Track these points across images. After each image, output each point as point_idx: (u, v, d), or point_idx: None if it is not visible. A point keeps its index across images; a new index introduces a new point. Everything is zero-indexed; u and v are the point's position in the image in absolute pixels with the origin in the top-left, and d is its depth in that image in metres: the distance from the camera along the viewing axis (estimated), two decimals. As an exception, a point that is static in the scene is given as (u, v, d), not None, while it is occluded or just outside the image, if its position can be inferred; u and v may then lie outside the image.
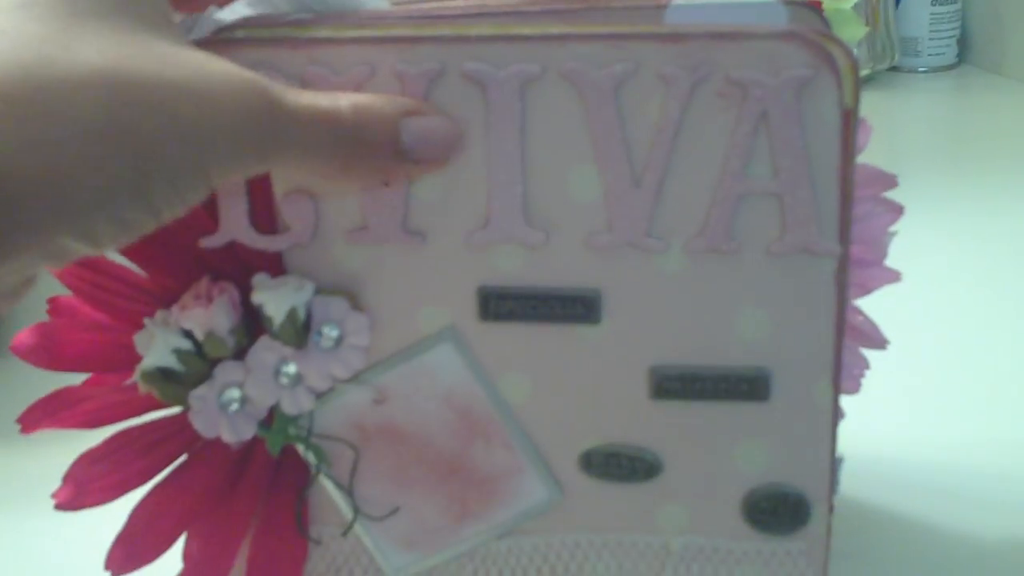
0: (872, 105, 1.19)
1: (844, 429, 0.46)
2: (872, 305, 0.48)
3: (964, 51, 1.37)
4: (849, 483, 0.52)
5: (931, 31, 1.34)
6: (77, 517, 0.46)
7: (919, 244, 0.77)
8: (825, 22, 0.41)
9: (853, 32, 0.47)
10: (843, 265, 0.40)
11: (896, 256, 0.47)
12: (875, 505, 0.52)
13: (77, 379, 0.45)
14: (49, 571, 0.53)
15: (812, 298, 0.40)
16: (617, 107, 0.39)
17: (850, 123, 0.39)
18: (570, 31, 0.38)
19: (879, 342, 0.48)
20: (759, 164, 0.39)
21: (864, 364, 0.48)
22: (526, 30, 0.39)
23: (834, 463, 0.42)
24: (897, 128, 1.13)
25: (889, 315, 0.49)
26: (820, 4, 0.42)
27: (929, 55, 1.35)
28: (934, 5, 1.33)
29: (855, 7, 0.59)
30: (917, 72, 1.35)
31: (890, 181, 0.45)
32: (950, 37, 1.35)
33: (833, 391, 0.41)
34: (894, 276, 0.47)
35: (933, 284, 0.75)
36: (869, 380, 0.48)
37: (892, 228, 0.46)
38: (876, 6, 1.27)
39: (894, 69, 1.34)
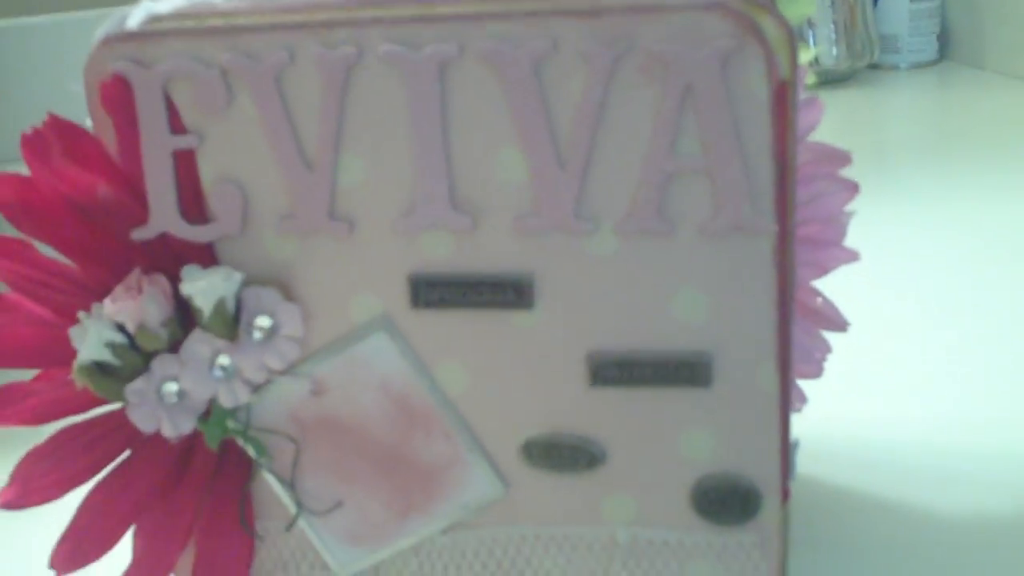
0: (854, 102, 1.18)
1: (808, 412, 0.45)
2: (859, 291, 0.47)
3: (944, 47, 1.36)
4: (814, 466, 0.51)
5: (911, 27, 1.32)
6: (27, 517, 0.46)
7: (902, 236, 0.77)
8: (763, -7, 0.40)
9: (804, 8, 0.45)
10: (783, 243, 0.38)
11: (879, 247, 0.46)
12: (842, 488, 0.51)
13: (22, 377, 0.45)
14: None
15: (751, 278, 0.38)
16: (538, 86, 0.37)
17: (786, 96, 0.37)
18: (485, 9, 0.37)
19: (839, 324, 0.46)
20: (687, 141, 0.37)
21: (826, 347, 0.46)
22: (442, 9, 0.38)
23: (787, 449, 0.41)
24: (879, 124, 1.12)
25: (868, 302, 0.48)
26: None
27: (909, 52, 1.34)
28: (913, 2, 1.32)
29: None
30: (898, 69, 1.34)
31: (844, 159, 0.44)
32: (930, 33, 1.34)
33: (779, 374, 0.40)
34: (852, 256, 0.45)
35: (915, 274, 0.73)
36: (832, 364, 0.47)
37: (848, 207, 0.44)
38: (854, 4, 1.26)
39: (874, 66, 1.33)
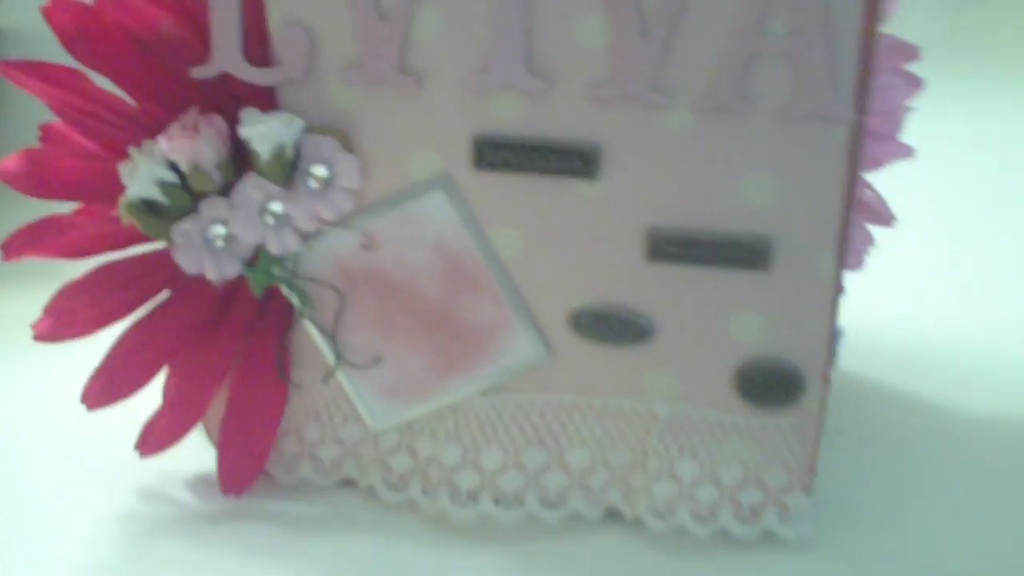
0: None
1: (845, 306, 0.45)
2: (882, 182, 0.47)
3: None
4: (845, 359, 0.51)
5: None
6: (56, 355, 0.45)
7: (931, 138, 0.76)
8: None
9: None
10: (857, 135, 0.38)
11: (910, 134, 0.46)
12: (870, 382, 0.51)
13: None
14: (29, 406, 0.52)
15: (822, 167, 0.38)
16: (629, -49, 0.37)
17: (875, -16, 0.37)
18: None
19: (887, 219, 0.46)
20: (775, 21, 0.37)
21: (869, 240, 0.47)
22: None
23: (833, 337, 0.41)
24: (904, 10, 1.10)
25: (899, 194, 0.48)
26: None
27: None
28: None
29: None
30: None
31: (912, 52, 0.43)
32: None
33: (837, 265, 0.40)
34: (907, 151, 0.45)
35: (945, 178, 0.74)
36: (873, 257, 0.47)
37: (909, 102, 0.44)
38: None
39: None
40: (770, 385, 0.41)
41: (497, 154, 0.40)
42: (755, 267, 0.40)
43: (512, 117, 0.39)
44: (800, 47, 0.37)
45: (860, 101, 0.37)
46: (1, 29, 0.96)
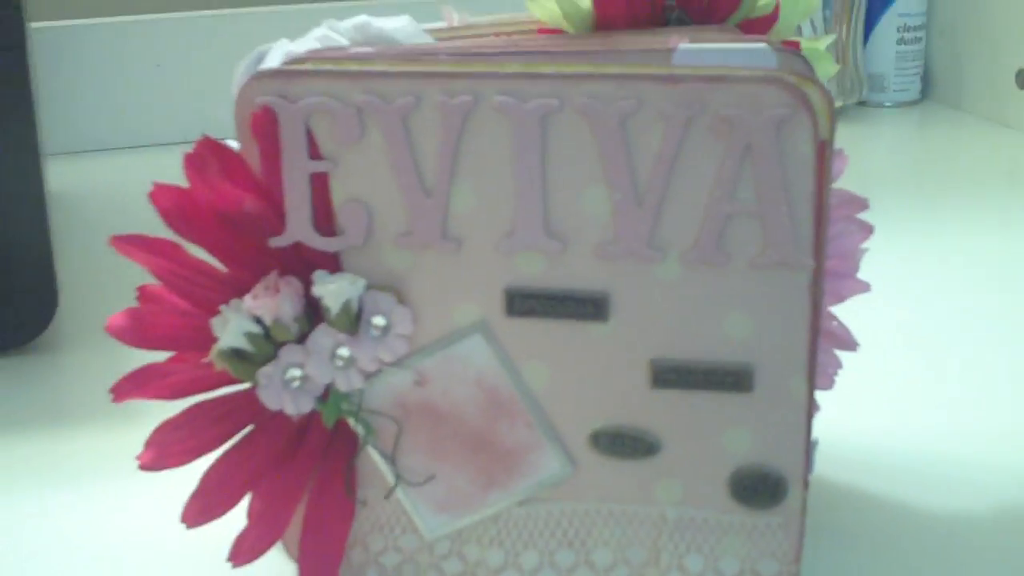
0: (842, 136, 1.27)
1: (820, 420, 0.54)
2: (846, 313, 0.55)
3: (927, 87, 1.44)
4: (824, 467, 0.59)
5: (896, 68, 1.40)
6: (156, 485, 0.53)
7: (885, 261, 0.90)
8: (809, 65, 0.48)
9: (826, 69, 0.53)
10: (817, 277, 0.46)
11: (865, 271, 0.54)
12: (847, 486, 0.59)
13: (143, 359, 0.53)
14: (135, 526, 0.60)
15: (789, 305, 0.46)
16: (623, 137, 0.45)
17: (825, 153, 0.45)
18: (584, 71, 0.45)
19: (850, 344, 0.54)
20: (744, 189, 0.45)
21: (838, 364, 0.55)
22: (547, 69, 0.46)
23: (809, 446, 0.49)
24: (865, 158, 1.21)
25: (861, 322, 0.56)
26: (798, 45, 0.49)
27: (895, 91, 1.41)
28: (899, 44, 1.39)
29: (828, 47, 0.64)
30: (883, 107, 1.41)
31: (862, 204, 0.52)
32: (914, 74, 1.41)
33: (807, 385, 0.47)
34: (864, 287, 0.54)
35: (898, 296, 0.85)
36: (842, 378, 0.55)
37: (863, 245, 0.53)
38: (846, 45, 1.35)
39: (862, 104, 1.40)
40: (759, 489, 0.49)
41: (525, 303, 0.48)
42: (740, 390, 0.48)
43: (536, 272, 0.48)
44: (766, 210, 0.45)
45: (817, 250, 0.46)
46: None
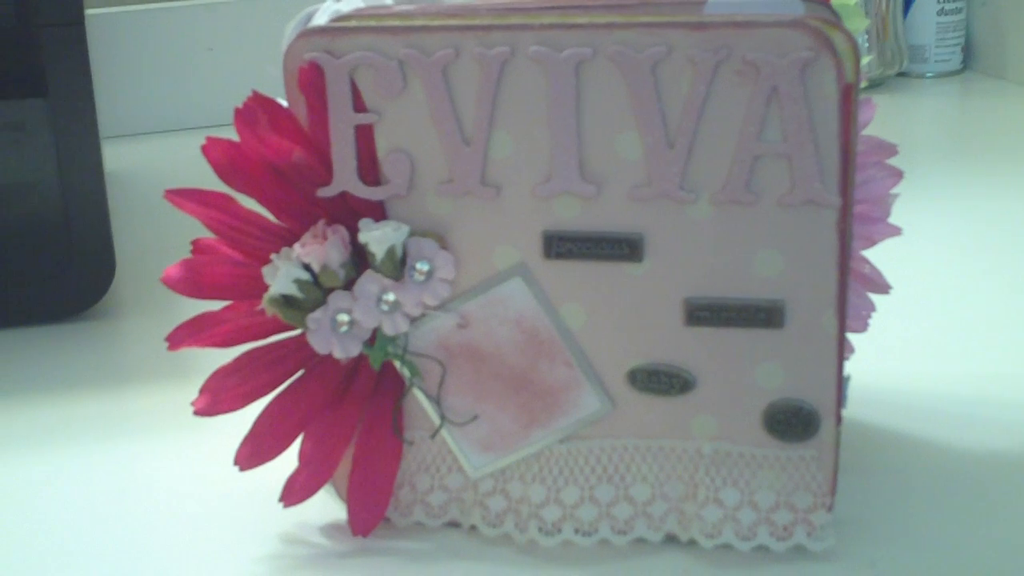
0: (883, 108, 1.27)
1: (853, 362, 0.55)
2: (887, 268, 0.57)
3: (968, 58, 1.44)
4: (858, 408, 0.61)
5: (937, 39, 1.40)
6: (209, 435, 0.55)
7: (927, 229, 0.91)
8: (835, 14, 0.49)
9: (857, 24, 0.55)
10: (844, 215, 0.48)
11: (907, 238, 0.56)
12: (879, 427, 0.61)
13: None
14: (191, 473, 0.63)
15: (818, 242, 0.48)
16: (654, 83, 0.47)
17: (851, 96, 0.47)
18: (615, 20, 0.47)
19: (883, 287, 0.56)
20: (771, 130, 0.47)
21: (871, 307, 0.56)
22: (580, 19, 0.47)
23: (841, 381, 0.50)
24: (907, 129, 1.22)
25: (900, 275, 0.58)
26: (828, 0, 0.50)
27: (936, 61, 1.42)
28: (940, 15, 1.40)
29: (858, 2, 0.65)
30: (925, 78, 1.42)
31: (891, 150, 0.53)
32: (955, 45, 1.42)
33: (838, 320, 0.49)
34: (895, 231, 0.55)
35: (938, 261, 0.86)
36: (875, 321, 0.57)
37: (893, 190, 0.54)
38: (886, 16, 1.35)
39: (903, 75, 1.41)
40: (792, 423, 0.50)
41: (562, 245, 0.50)
42: (772, 326, 0.49)
43: (572, 216, 0.50)
44: (793, 149, 0.47)
45: (844, 188, 0.47)
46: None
